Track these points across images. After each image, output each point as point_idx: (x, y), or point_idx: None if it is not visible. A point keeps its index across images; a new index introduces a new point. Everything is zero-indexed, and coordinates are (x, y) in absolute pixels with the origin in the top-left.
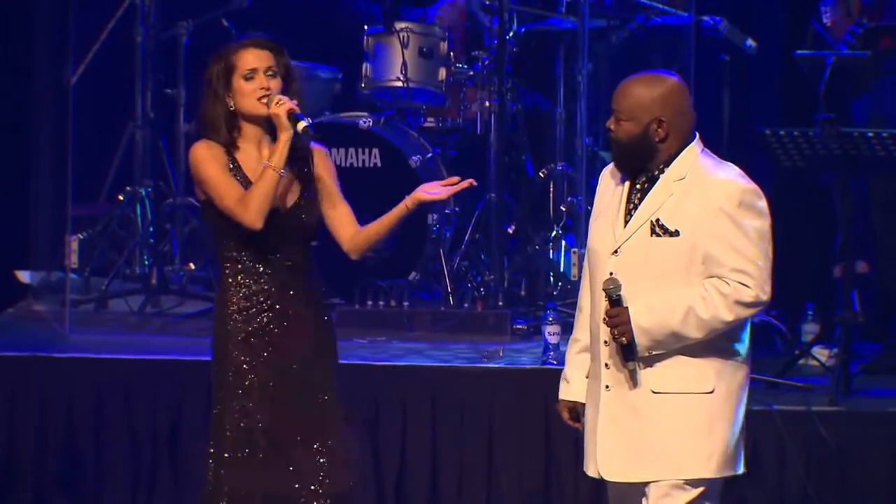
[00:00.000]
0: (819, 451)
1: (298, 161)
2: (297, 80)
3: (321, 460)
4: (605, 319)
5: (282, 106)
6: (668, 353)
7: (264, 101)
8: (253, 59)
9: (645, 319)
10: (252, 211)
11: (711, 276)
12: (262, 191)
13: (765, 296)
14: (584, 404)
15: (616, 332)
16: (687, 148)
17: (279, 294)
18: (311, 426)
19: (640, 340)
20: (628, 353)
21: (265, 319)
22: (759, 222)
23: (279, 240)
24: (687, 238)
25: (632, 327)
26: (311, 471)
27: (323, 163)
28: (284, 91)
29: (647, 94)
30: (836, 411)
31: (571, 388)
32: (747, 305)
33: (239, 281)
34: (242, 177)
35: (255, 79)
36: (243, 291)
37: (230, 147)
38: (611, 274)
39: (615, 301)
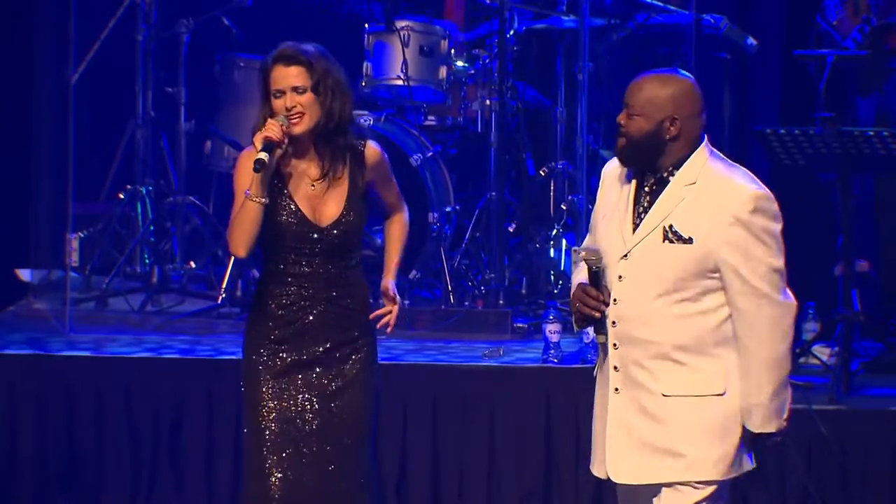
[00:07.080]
0: (820, 449)
1: (351, 168)
2: (339, 87)
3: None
4: (576, 293)
5: (265, 131)
6: (673, 359)
7: (295, 119)
8: (280, 77)
9: None
10: (233, 240)
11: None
12: (240, 221)
13: (788, 297)
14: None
15: (586, 310)
16: (697, 151)
17: (309, 307)
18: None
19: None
20: (599, 327)
21: (291, 331)
22: (772, 226)
23: (312, 254)
24: (700, 245)
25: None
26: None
27: (375, 167)
28: (324, 102)
29: (662, 92)
30: (837, 410)
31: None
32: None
33: (270, 290)
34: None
35: (282, 98)
36: (275, 301)
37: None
38: (586, 252)
39: (594, 274)
